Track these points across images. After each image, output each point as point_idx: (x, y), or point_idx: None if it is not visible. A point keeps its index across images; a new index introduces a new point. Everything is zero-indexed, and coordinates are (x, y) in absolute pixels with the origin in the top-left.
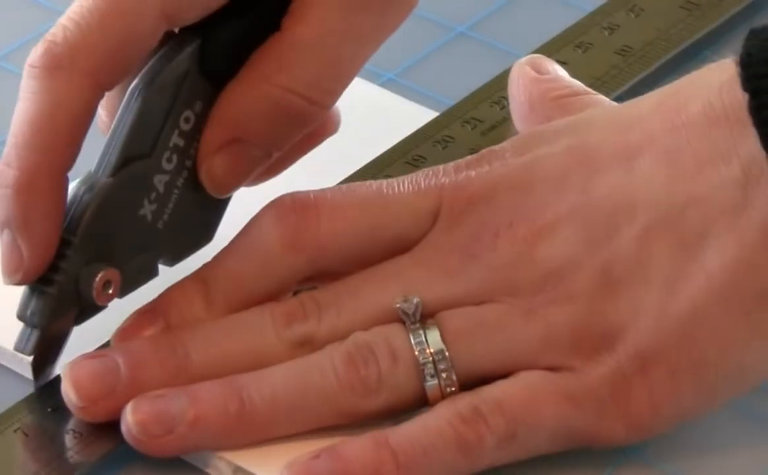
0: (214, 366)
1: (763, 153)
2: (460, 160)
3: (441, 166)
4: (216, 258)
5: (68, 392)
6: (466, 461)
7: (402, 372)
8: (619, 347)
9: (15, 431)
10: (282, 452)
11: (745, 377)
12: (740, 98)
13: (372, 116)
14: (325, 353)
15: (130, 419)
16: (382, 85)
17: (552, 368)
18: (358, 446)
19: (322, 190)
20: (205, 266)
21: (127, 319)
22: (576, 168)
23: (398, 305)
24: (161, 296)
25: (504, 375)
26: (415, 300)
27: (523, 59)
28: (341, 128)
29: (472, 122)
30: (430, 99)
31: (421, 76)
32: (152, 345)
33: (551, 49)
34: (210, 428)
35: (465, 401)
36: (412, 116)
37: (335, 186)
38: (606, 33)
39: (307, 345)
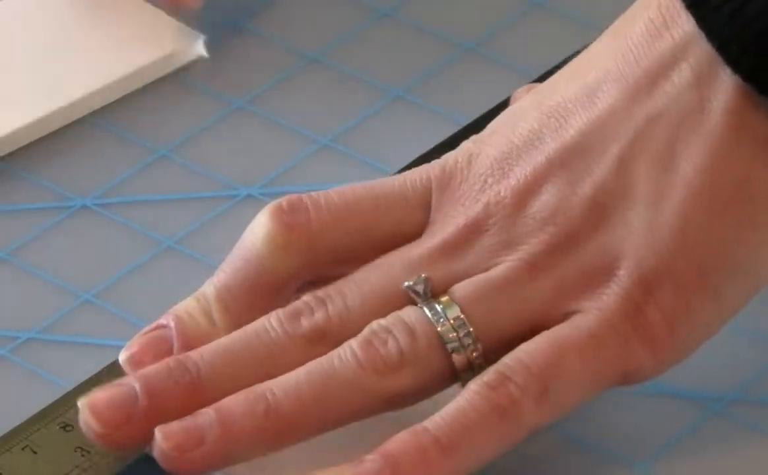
0: (228, 377)
1: (699, 32)
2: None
3: (429, 164)
4: (216, 272)
5: (88, 421)
6: (508, 427)
7: (423, 346)
8: (622, 276)
9: (23, 448)
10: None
11: (751, 274)
12: (677, 4)
13: None
14: (344, 345)
15: (162, 444)
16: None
17: (567, 316)
18: (398, 440)
19: (314, 193)
20: (208, 281)
21: (134, 342)
22: (546, 123)
23: (406, 285)
24: (166, 316)
25: (525, 335)
26: (423, 276)
27: (523, 88)
28: None
29: None
30: (441, 116)
31: (432, 94)
32: (166, 369)
33: None
34: (240, 433)
35: (490, 372)
36: None
37: (327, 189)
38: None
39: (321, 341)
